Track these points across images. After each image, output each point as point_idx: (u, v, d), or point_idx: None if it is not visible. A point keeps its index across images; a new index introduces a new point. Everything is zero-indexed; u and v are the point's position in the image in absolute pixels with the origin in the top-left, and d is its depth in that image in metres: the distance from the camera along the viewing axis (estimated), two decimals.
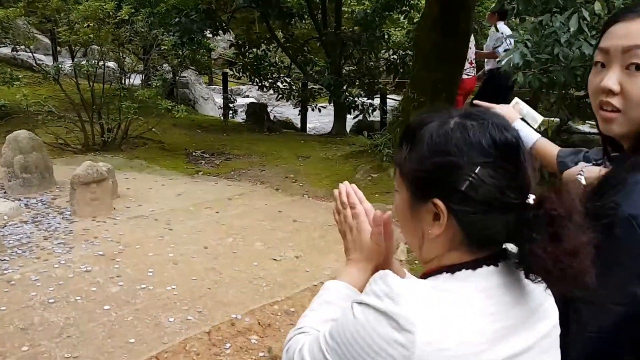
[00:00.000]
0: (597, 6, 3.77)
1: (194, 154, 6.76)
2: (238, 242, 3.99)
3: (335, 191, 1.12)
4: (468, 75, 7.37)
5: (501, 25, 6.57)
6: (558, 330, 0.93)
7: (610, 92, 1.02)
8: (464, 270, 0.83)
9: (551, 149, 1.62)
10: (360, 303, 0.82)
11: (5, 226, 4.03)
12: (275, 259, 3.76)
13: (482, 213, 0.81)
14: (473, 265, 0.84)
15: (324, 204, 5.01)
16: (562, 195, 0.81)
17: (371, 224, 1.05)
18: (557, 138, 5.68)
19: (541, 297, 0.89)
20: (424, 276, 0.88)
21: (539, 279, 0.82)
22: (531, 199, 0.81)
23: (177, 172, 5.92)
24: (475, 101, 1.66)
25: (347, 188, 1.11)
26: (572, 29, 3.99)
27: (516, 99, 1.80)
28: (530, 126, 1.69)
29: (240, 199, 5.00)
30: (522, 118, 1.71)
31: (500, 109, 1.59)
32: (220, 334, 2.91)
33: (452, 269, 0.84)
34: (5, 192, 4.73)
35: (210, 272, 3.52)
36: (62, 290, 3.20)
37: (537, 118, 1.78)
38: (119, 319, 2.95)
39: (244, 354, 2.81)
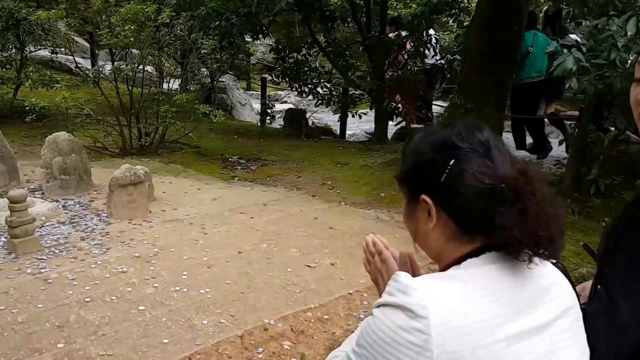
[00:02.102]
0: None
1: (230, 159, 6.95)
2: (272, 248, 4.11)
3: (363, 243, 1.28)
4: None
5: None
6: (578, 312, 1.03)
7: None
8: (468, 260, 0.97)
9: None
10: (377, 306, 0.94)
11: (43, 226, 4.27)
12: (309, 266, 3.86)
13: (464, 201, 0.96)
14: (476, 253, 0.97)
15: (361, 212, 5.08)
16: (527, 174, 0.95)
17: (398, 263, 1.22)
18: (614, 148, 5.58)
19: (549, 278, 1.01)
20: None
21: (523, 256, 0.94)
22: (504, 183, 0.95)
23: (212, 177, 6.11)
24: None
25: (372, 238, 1.27)
26: (629, 33, 3.96)
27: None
28: None
29: (276, 204, 5.13)
30: None
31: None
32: (252, 338, 3.02)
33: (458, 261, 0.98)
34: (43, 193, 5.01)
35: (244, 277, 3.64)
36: (98, 290, 3.38)
37: None
38: (153, 320, 3.10)
39: None
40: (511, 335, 0.91)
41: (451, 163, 0.97)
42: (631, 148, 5.77)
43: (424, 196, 1.00)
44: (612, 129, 5.77)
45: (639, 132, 1.20)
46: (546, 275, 1.01)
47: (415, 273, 1.19)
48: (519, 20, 5.81)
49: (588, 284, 1.35)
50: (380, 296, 1.20)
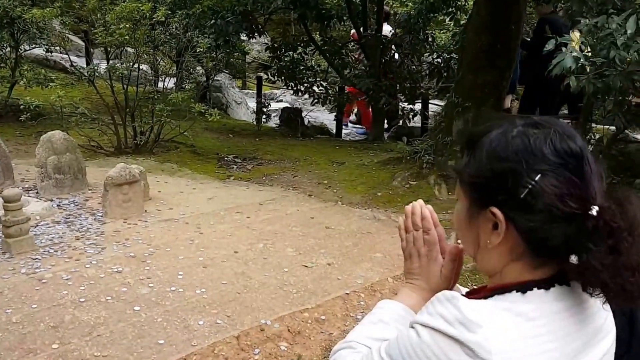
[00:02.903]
0: None
1: (225, 158, 6.94)
2: (269, 248, 4.10)
3: (408, 207, 1.10)
4: None
5: None
6: (615, 344, 0.95)
7: None
8: (535, 290, 0.85)
9: None
10: (426, 326, 0.83)
11: (37, 225, 4.25)
12: (306, 266, 3.85)
13: (542, 222, 0.83)
14: (546, 284, 0.86)
15: (357, 211, 5.07)
16: (624, 208, 0.82)
17: (443, 254, 1.06)
18: (613, 147, 5.58)
19: (604, 315, 0.92)
20: (491, 292, 0.90)
21: (598, 293, 0.84)
22: (594, 210, 0.82)
23: (208, 176, 6.10)
24: None
25: (422, 209, 1.08)
26: (629, 31, 3.95)
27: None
28: None
29: (272, 204, 5.12)
30: None
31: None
32: (249, 339, 3.01)
33: (523, 287, 0.86)
34: (38, 193, 4.98)
35: (240, 277, 3.63)
36: (93, 290, 3.36)
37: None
38: (148, 320, 3.09)
39: None
40: None
41: (536, 179, 0.83)
42: (630, 147, 5.79)
43: (494, 209, 0.86)
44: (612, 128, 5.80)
45: None
46: (601, 312, 0.91)
47: (457, 272, 1.07)
48: (517, 19, 5.81)
49: None
50: (406, 273, 1.08)
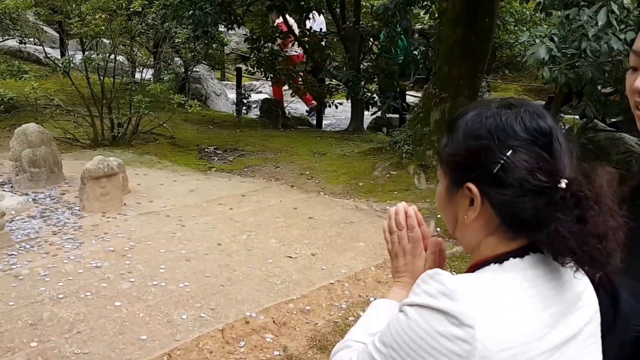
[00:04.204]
0: None
1: (206, 150, 6.80)
2: (252, 239, 4.01)
3: (391, 209, 1.14)
4: (296, 52, 9.06)
5: None
6: (599, 318, 0.97)
7: None
8: (511, 259, 0.88)
9: None
10: (412, 305, 0.85)
11: (12, 220, 4.09)
12: (290, 257, 3.77)
13: (514, 196, 0.86)
14: (521, 253, 0.88)
15: (340, 201, 5.01)
16: (591, 179, 0.86)
17: (426, 248, 1.11)
18: (583, 136, 5.63)
19: (582, 284, 0.94)
20: (472, 268, 0.93)
21: (569, 262, 0.87)
22: (563, 183, 0.85)
23: (189, 168, 5.96)
24: None
25: (406, 208, 1.12)
26: (600, 23, 3.97)
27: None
28: None
29: (255, 195, 5.02)
30: None
31: None
32: (234, 332, 2.92)
33: (499, 259, 0.89)
34: (12, 187, 4.80)
35: (224, 269, 3.54)
36: (72, 286, 3.24)
37: None
38: (130, 316, 2.98)
39: (258, 353, 2.82)
40: (553, 345, 0.86)
41: (508, 154, 0.86)
42: (599, 136, 5.85)
43: (470, 184, 0.89)
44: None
45: (636, 121, 1.15)
46: (576, 279, 0.93)
47: (440, 264, 1.10)
48: (490, 13, 5.85)
49: None
50: (394, 272, 1.13)
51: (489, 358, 0.79)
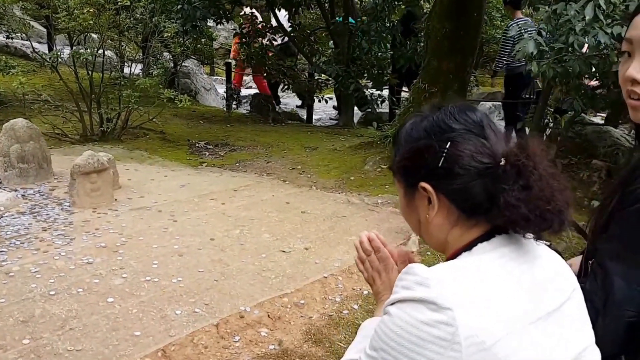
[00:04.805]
0: None
1: (197, 145, 6.73)
2: (245, 234, 3.97)
3: (356, 242, 1.21)
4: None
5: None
6: (580, 294, 0.99)
7: (635, 81, 1.07)
8: (479, 245, 0.92)
9: None
10: (393, 302, 0.86)
11: (2, 217, 4.02)
12: (283, 251, 3.74)
13: (464, 183, 0.91)
14: (487, 236, 0.92)
15: (332, 195, 4.99)
16: (526, 149, 0.90)
17: (396, 261, 1.18)
18: (570, 130, 5.65)
19: (553, 261, 0.97)
20: (447, 262, 0.95)
21: (527, 232, 0.90)
22: (502, 160, 0.90)
23: (180, 163, 5.90)
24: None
25: (368, 235, 1.19)
26: (587, 17, 3.98)
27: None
28: None
29: (247, 190, 4.98)
30: None
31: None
32: (228, 326, 2.89)
33: (469, 247, 0.92)
34: (1, 183, 4.72)
35: (217, 264, 3.50)
36: (63, 282, 3.19)
37: None
38: (123, 312, 2.94)
39: (253, 347, 2.79)
40: (533, 320, 0.86)
41: (447, 146, 0.92)
42: (587, 129, 5.88)
43: (422, 183, 0.95)
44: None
45: (629, 111, 1.14)
46: (548, 258, 0.97)
47: None
48: (478, 7, 5.85)
49: (577, 259, 1.33)
50: (375, 295, 1.18)
51: (472, 337, 0.80)
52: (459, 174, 0.90)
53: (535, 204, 0.87)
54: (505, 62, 6.83)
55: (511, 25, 6.69)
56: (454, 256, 0.94)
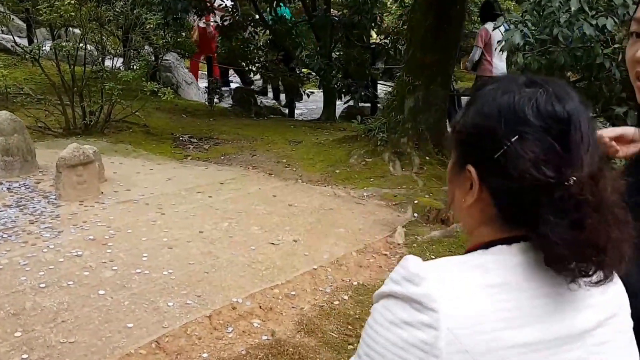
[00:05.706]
0: None
1: (181, 138, 6.69)
2: (234, 227, 3.98)
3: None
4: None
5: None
6: (622, 322, 0.87)
7: None
8: (498, 245, 0.80)
9: None
10: (380, 297, 0.80)
11: None
12: (273, 243, 3.76)
13: (514, 187, 0.76)
14: (508, 241, 0.80)
15: (318, 188, 5.02)
16: (596, 182, 0.75)
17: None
18: None
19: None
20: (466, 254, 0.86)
21: (562, 271, 0.76)
22: (571, 180, 0.74)
23: (164, 157, 5.86)
24: None
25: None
26: (572, 9, 4.02)
27: None
28: None
29: (233, 183, 4.98)
30: None
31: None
32: (221, 318, 2.91)
33: (487, 245, 0.81)
34: None
35: (207, 257, 3.50)
36: (53, 275, 3.16)
37: None
38: (115, 304, 2.93)
39: (247, 338, 2.81)
40: (532, 341, 0.75)
41: (513, 140, 0.76)
42: None
43: (469, 166, 0.81)
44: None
45: (636, 93, 1.09)
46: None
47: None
48: (462, 0, 5.89)
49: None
50: None
51: (454, 344, 0.73)
52: (512, 175, 0.75)
53: (580, 250, 0.74)
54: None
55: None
56: (472, 249, 0.84)
